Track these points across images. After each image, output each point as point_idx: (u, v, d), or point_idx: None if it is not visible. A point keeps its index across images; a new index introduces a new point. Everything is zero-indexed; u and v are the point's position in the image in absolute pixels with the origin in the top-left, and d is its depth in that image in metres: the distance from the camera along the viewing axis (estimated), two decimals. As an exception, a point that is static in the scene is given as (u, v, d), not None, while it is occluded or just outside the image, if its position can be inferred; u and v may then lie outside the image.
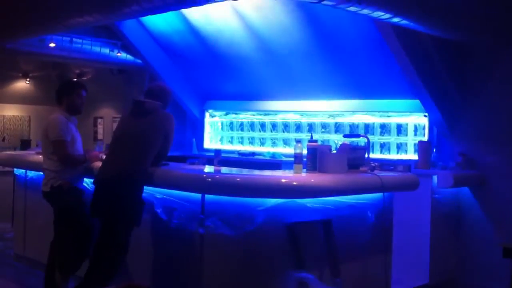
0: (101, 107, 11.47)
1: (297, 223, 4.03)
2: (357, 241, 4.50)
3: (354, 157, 4.43)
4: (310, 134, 5.90)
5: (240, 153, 7.95)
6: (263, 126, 8.07)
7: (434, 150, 6.27)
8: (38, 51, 8.18)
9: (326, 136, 7.28)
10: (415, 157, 6.29)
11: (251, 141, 8.21)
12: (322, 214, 4.22)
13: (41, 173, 5.04)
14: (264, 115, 8.04)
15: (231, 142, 8.49)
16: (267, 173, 4.41)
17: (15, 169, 6.55)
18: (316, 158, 4.14)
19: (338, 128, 7.22)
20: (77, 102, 4.92)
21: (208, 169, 4.72)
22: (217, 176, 4.13)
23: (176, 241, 4.31)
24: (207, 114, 8.75)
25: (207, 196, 4.10)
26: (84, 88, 5.02)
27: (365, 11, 4.38)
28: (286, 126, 7.81)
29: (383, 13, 4.44)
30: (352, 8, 4.28)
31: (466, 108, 6.04)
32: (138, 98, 4.55)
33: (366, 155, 4.63)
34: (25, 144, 9.36)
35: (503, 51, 5.76)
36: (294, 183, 3.88)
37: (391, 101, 6.64)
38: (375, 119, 6.85)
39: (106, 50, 8.69)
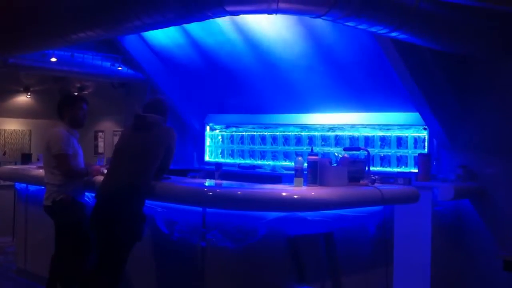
0: (102, 121, 11.49)
1: (298, 236, 4.04)
2: (358, 254, 4.50)
3: (354, 170, 4.44)
4: (310, 147, 5.93)
5: (240, 166, 7.97)
6: (263, 139, 8.09)
7: (434, 163, 6.28)
8: (40, 65, 8.21)
9: (326, 149, 7.30)
10: (415, 170, 6.30)
11: (252, 155, 8.23)
12: (323, 227, 4.23)
13: (42, 187, 5.05)
14: (264, 128, 8.06)
15: (231, 155, 8.51)
16: (268, 186, 4.43)
17: (16, 183, 6.57)
18: (316, 171, 4.16)
19: (338, 141, 7.23)
20: (79, 116, 4.95)
21: (209, 182, 4.73)
22: (218, 190, 4.14)
23: (178, 255, 4.32)
24: (207, 128, 8.78)
25: (208, 209, 4.11)
26: (86, 101, 5.06)
27: (364, 26, 4.42)
28: (286, 139, 7.83)
29: (381, 28, 4.49)
30: (351, 23, 4.33)
31: (466, 120, 6.06)
32: (140, 112, 4.58)
33: (367, 168, 4.65)
34: (26, 158, 9.38)
35: (502, 63, 5.79)
36: (295, 196, 3.89)
37: (391, 114, 6.67)
38: (375, 132, 6.88)
39: (107, 64, 8.73)
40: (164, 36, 7.70)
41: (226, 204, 3.93)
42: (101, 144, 11.59)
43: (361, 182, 4.46)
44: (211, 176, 5.25)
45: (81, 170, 4.84)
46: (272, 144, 7.98)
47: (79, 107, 4.97)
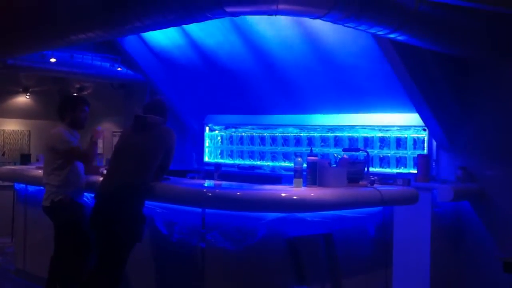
0: (101, 122, 11.49)
1: (298, 237, 4.04)
2: (358, 254, 4.50)
3: (353, 171, 4.45)
4: (309, 148, 5.92)
5: (240, 167, 7.97)
6: (262, 140, 8.09)
7: (434, 164, 6.28)
8: (39, 66, 8.21)
9: (325, 150, 7.30)
10: (414, 171, 6.30)
11: (251, 155, 8.23)
12: (322, 227, 4.23)
13: (41, 187, 5.06)
14: (263, 129, 8.06)
15: (231, 156, 8.51)
16: (267, 187, 4.42)
17: (15, 183, 6.57)
18: (316, 172, 4.16)
19: (337, 142, 7.23)
20: (80, 118, 4.97)
21: (208, 183, 4.73)
22: (217, 191, 4.14)
23: (177, 256, 4.32)
24: (207, 128, 8.78)
25: (207, 210, 4.11)
26: (88, 103, 5.07)
27: (363, 27, 4.43)
28: (285, 140, 7.83)
29: (381, 29, 4.49)
30: (351, 24, 4.34)
31: (466, 121, 6.07)
32: (139, 113, 4.58)
33: (366, 169, 4.65)
34: (25, 159, 9.39)
35: (502, 65, 5.80)
36: (294, 197, 3.89)
37: (390, 115, 6.67)
38: (374, 133, 6.88)
39: (106, 65, 8.72)
40: (164, 37, 7.70)
41: (226, 205, 3.93)
42: (100, 144, 11.57)
43: (360, 183, 4.46)
44: (210, 177, 5.24)
45: (92, 147, 4.91)
46: (271, 145, 7.98)
47: (81, 109, 4.98)
